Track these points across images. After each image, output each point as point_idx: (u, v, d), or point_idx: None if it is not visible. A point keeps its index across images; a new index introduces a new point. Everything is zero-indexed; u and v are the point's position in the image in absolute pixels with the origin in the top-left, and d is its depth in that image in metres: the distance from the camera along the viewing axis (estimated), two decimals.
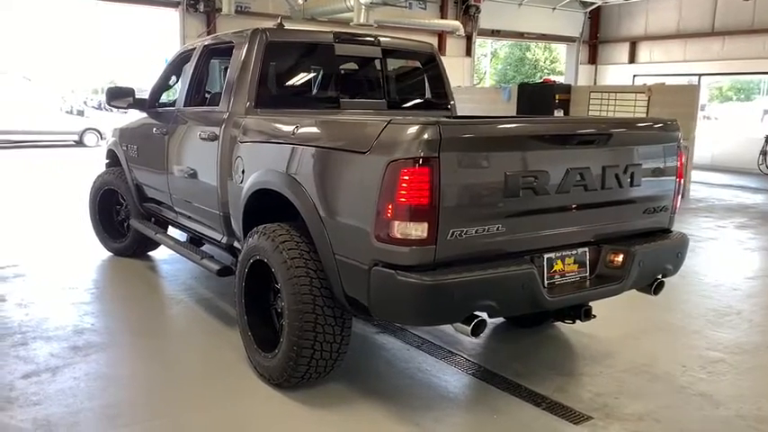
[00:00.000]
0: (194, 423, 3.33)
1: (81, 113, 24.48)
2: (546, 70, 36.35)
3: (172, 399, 3.60)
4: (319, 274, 3.32)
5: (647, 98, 11.73)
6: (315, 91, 4.82)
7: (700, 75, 17.93)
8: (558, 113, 13.35)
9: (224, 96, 4.36)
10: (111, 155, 6.42)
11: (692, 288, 5.87)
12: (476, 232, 2.94)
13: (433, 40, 16.57)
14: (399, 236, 2.81)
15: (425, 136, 2.77)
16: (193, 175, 4.68)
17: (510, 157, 3.05)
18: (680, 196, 3.86)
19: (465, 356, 4.18)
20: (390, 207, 2.82)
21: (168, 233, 5.57)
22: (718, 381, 3.91)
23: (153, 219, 5.89)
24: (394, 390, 3.73)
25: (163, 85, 5.67)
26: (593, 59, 20.33)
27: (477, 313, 2.97)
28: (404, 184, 2.76)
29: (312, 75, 4.84)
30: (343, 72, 4.91)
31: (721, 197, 12.09)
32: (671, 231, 3.84)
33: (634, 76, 19.03)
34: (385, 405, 3.52)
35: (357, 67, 5.03)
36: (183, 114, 4.98)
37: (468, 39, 17.27)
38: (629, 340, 4.56)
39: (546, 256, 3.26)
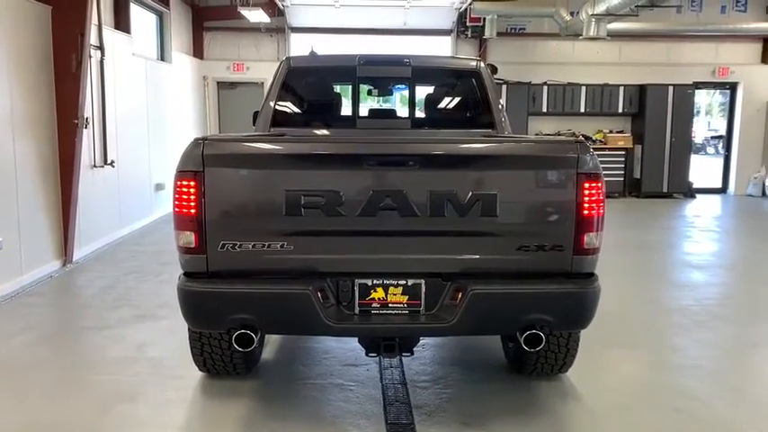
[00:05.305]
0: None
1: None
2: None
3: None
4: None
5: None
6: (332, 111, 5.09)
7: None
8: None
9: None
10: None
11: None
12: (253, 247, 3.02)
13: (754, 47, 14.01)
14: (181, 244, 3.12)
15: (192, 151, 3.01)
16: None
17: (289, 176, 3.03)
18: (593, 234, 3.05)
19: (399, 385, 4.00)
20: (173, 217, 3.13)
21: None
22: None
23: None
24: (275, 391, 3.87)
25: None
26: None
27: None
28: (176, 195, 3.05)
29: (330, 95, 5.13)
30: (365, 92, 5.04)
31: None
32: (578, 276, 3.09)
33: None
34: (260, 400, 3.73)
35: (379, 88, 5.12)
36: None
37: None
38: (607, 411, 3.75)
39: (358, 281, 3.09)
